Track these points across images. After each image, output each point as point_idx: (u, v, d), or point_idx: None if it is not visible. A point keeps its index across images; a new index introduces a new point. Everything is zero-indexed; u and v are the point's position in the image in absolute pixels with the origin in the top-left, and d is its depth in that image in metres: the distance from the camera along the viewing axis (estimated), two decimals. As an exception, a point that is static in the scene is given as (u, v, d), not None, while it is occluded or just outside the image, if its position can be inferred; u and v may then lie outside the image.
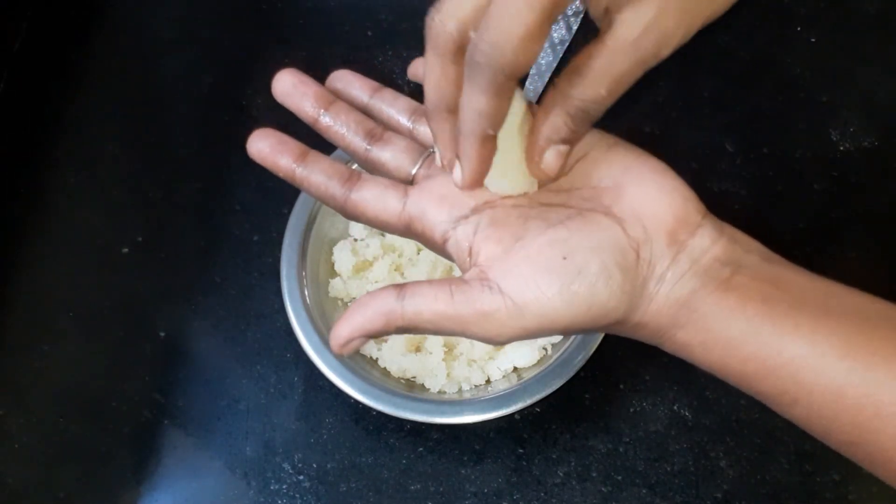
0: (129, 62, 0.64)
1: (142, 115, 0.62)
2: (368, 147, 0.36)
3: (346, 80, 0.39)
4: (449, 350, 0.51)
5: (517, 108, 0.33)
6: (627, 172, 0.34)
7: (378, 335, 0.33)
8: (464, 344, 0.51)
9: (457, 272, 0.52)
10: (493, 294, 0.31)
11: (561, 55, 0.59)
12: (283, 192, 0.56)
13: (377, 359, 0.51)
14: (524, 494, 0.49)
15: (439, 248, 0.34)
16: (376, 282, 0.52)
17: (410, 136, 0.37)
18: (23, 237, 0.58)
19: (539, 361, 0.50)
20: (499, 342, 0.32)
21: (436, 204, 0.34)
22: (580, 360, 0.47)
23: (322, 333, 0.48)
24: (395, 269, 0.53)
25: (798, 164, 0.57)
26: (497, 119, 0.30)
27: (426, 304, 0.32)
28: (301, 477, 0.50)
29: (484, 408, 0.47)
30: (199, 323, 0.55)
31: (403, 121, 0.37)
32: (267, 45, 0.63)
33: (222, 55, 0.63)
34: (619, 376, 0.52)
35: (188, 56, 0.64)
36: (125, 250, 0.57)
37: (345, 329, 0.32)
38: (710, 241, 0.32)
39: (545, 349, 0.50)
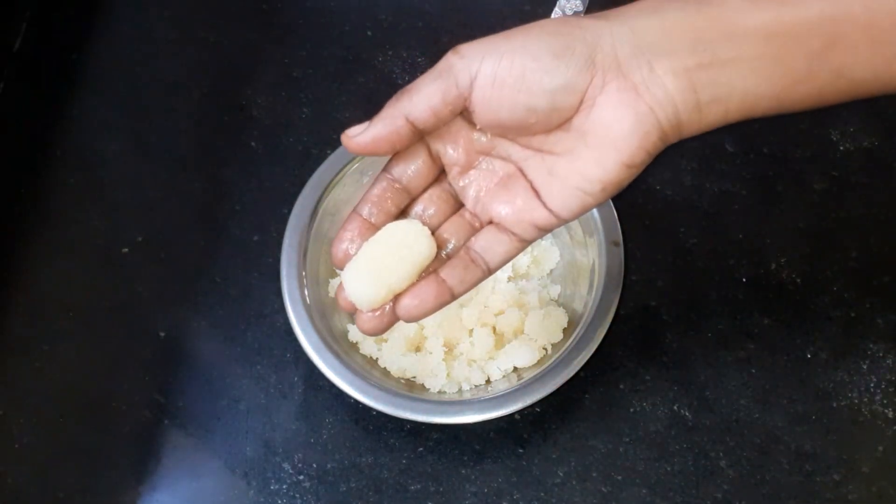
0: (129, 62, 0.64)
1: (142, 115, 0.62)
2: None
3: None
4: (449, 350, 0.51)
5: (423, 244, 0.35)
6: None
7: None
8: (464, 344, 0.51)
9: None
10: None
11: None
12: (283, 192, 0.57)
13: (377, 359, 0.51)
14: (524, 494, 0.49)
15: None
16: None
17: None
18: (23, 237, 0.58)
19: (539, 361, 0.50)
20: None
21: None
22: (580, 360, 0.47)
23: (322, 333, 0.48)
24: (395, 269, 0.52)
25: (798, 164, 0.57)
26: None
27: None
28: (301, 477, 0.50)
29: (484, 408, 0.47)
30: (199, 323, 0.55)
31: None
32: (267, 45, 0.63)
33: (222, 55, 0.63)
34: (619, 376, 0.52)
35: (188, 56, 0.64)
36: (125, 250, 0.57)
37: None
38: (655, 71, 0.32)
39: (545, 349, 0.50)
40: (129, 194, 0.59)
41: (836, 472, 0.49)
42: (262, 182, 0.58)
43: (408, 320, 0.36)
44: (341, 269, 0.36)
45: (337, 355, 0.48)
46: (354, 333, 0.51)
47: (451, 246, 0.37)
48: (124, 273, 0.56)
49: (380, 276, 0.35)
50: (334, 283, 0.52)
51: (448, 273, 0.36)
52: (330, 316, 0.51)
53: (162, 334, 0.54)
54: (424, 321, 0.50)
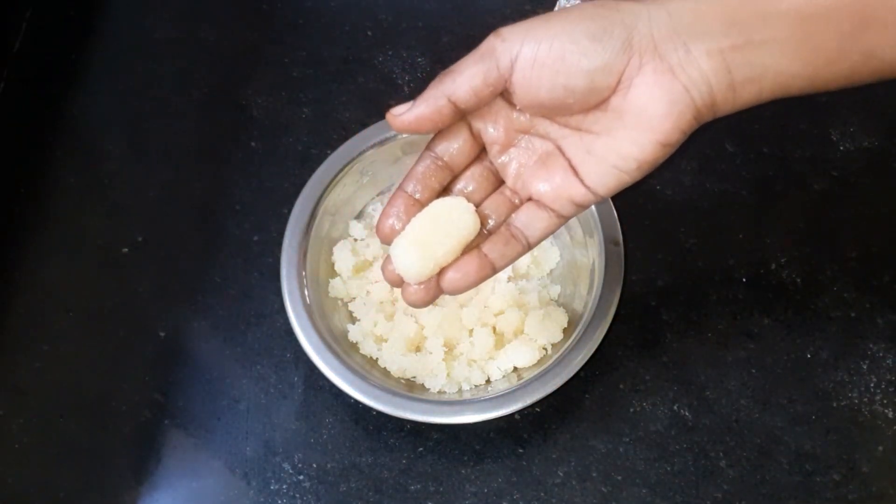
0: (128, 62, 0.64)
1: (142, 115, 0.62)
2: None
3: None
4: (449, 350, 0.51)
5: (468, 220, 0.36)
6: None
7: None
8: (464, 344, 0.51)
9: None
10: None
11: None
12: (283, 192, 0.57)
13: (377, 359, 0.51)
14: (524, 494, 0.49)
15: None
16: (376, 282, 0.52)
17: None
18: (23, 237, 0.58)
19: (539, 361, 0.50)
20: None
21: None
22: (580, 360, 0.47)
23: (322, 333, 0.48)
24: (395, 269, 0.52)
25: (798, 164, 0.57)
26: None
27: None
28: (301, 477, 0.50)
29: (484, 408, 0.47)
30: (199, 323, 0.55)
31: None
32: (267, 45, 0.63)
33: (222, 55, 0.63)
34: (619, 376, 0.52)
35: (188, 56, 0.64)
36: (125, 250, 0.57)
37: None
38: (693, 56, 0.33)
39: (545, 349, 0.50)
40: (129, 194, 0.59)
41: (836, 472, 0.49)
42: (262, 182, 0.58)
43: (451, 293, 0.37)
44: (387, 244, 0.38)
45: (337, 355, 0.48)
46: (354, 333, 0.51)
47: (492, 222, 0.38)
48: (124, 273, 0.56)
49: (427, 250, 0.36)
50: (334, 282, 0.52)
51: (490, 248, 0.37)
52: (330, 316, 0.51)
53: (162, 334, 0.54)
54: (424, 321, 0.50)
